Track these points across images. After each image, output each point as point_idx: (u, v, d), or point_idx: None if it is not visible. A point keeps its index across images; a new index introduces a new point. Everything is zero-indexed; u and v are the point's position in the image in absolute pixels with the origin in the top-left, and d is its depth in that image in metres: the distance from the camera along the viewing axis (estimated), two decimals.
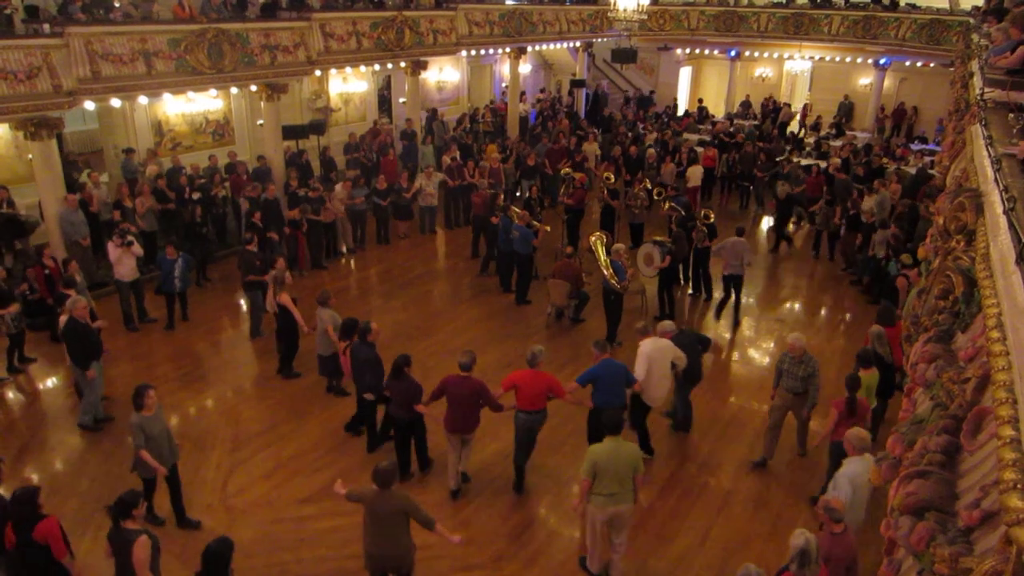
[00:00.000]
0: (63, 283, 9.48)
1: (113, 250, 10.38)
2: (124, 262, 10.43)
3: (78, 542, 6.72)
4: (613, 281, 10.51)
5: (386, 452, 7.97)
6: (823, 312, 12.56)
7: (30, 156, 11.70)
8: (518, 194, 16.63)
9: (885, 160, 17.45)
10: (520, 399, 7.22)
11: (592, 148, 18.28)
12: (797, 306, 12.84)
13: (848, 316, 12.32)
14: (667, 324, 8.21)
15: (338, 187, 13.85)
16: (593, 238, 11.49)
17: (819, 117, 23.76)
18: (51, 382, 9.69)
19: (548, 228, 13.02)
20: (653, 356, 7.66)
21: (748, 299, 12.60)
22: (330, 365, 8.97)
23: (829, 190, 14.74)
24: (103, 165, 14.66)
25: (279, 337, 9.89)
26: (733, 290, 11.74)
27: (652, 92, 26.14)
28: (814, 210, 14.69)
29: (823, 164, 16.74)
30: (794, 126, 23.44)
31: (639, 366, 7.64)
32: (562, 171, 15.43)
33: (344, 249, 14.29)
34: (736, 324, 11.77)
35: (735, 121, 22.41)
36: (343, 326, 8.29)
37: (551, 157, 17.14)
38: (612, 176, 14.71)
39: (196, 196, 12.79)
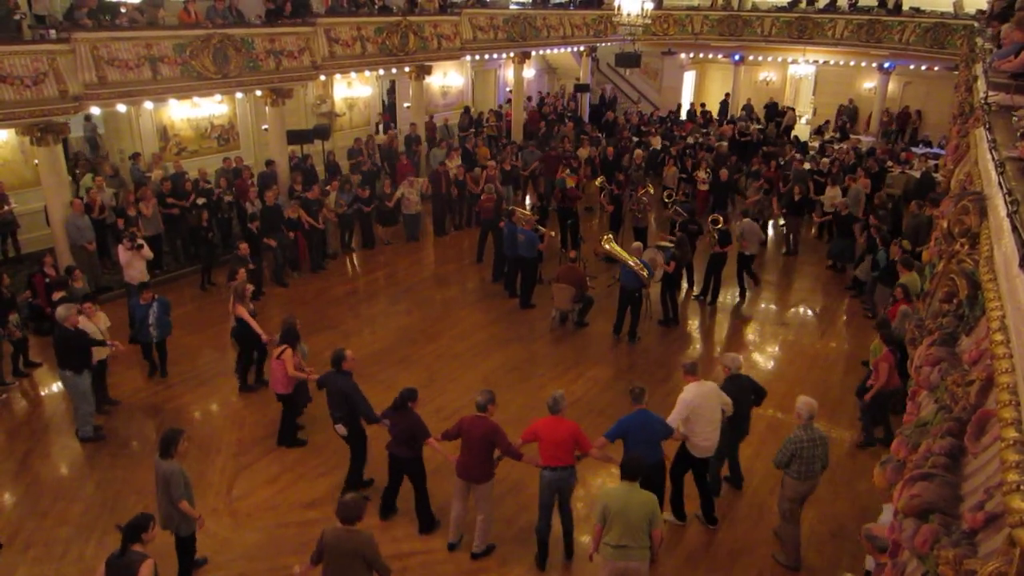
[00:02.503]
0: (54, 285, 9.54)
1: (124, 253, 10.45)
2: (134, 265, 10.51)
3: (83, 547, 6.75)
4: (644, 273, 10.56)
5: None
6: (826, 312, 12.50)
7: (36, 161, 11.76)
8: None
9: (890, 164, 17.46)
10: (542, 453, 6.37)
11: (585, 153, 18.32)
12: (795, 307, 12.82)
13: (851, 314, 12.29)
14: (731, 357, 7.45)
15: (329, 191, 13.89)
16: (604, 240, 11.48)
17: (826, 121, 23.75)
18: (56, 386, 9.70)
19: (553, 233, 13.02)
20: (695, 403, 6.70)
21: (735, 300, 12.80)
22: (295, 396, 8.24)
23: (784, 181, 15.51)
24: (109, 169, 14.72)
25: (239, 350, 9.51)
26: (746, 265, 12.38)
27: (727, 95, 25.55)
28: (747, 206, 15.16)
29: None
30: (801, 130, 23.44)
31: (676, 413, 6.71)
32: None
33: (331, 253, 14.22)
34: (742, 293, 12.63)
35: (738, 124, 22.41)
36: (283, 330, 7.87)
37: (548, 163, 17.19)
38: (611, 183, 14.77)
39: (201, 201, 12.86)
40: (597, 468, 7.97)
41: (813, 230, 15.90)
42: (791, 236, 14.91)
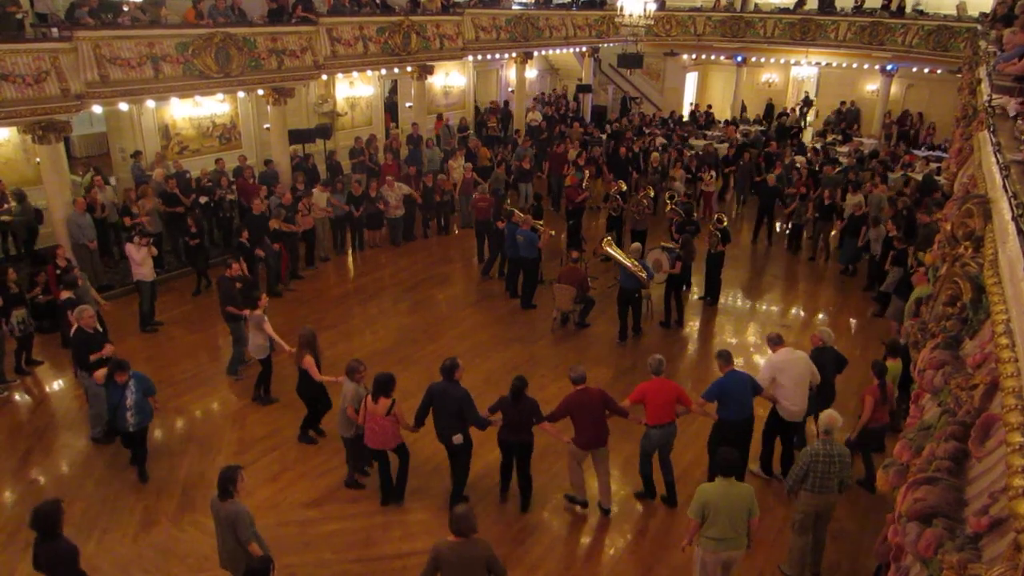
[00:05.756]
0: (61, 284, 9.52)
1: (137, 251, 10.42)
2: (147, 262, 10.51)
3: (83, 544, 6.71)
4: (643, 274, 10.56)
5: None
6: (827, 312, 12.49)
7: (38, 160, 11.76)
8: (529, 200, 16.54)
9: (893, 170, 17.46)
10: (650, 413, 6.95)
11: (573, 153, 18.29)
12: (797, 308, 12.80)
13: (854, 315, 12.28)
14: (825, 331, 8.07)
15: (315, 192, 13.57)
16: (603, 243, 11.48)
17: (826, 122, 23.75)
18: (57, 385, 9.72)
19: (553, 232, 12.99)
20: (781, 367, 7.42)
21: (739, 300, 12.81)
22: (348, 447, 7.56)
23: (815, 186, 15.26)
24: (110, 168, 14.73)
25: (301, 396, 8.22)
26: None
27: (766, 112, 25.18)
28: (793, 208, 15.05)
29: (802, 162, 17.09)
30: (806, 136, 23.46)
31: (763, 374, 7.54)
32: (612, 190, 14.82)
33: (322, 256, 13.95)
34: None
35: (741, 126, 22.41)
36: (376, 382, 6.87)
37: (553, 162, 17.17)
38: (623, 185, 14.71)
39: (203, 200, 12.84)
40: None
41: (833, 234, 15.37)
42: (819, 242, 14.59)
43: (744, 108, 24.95)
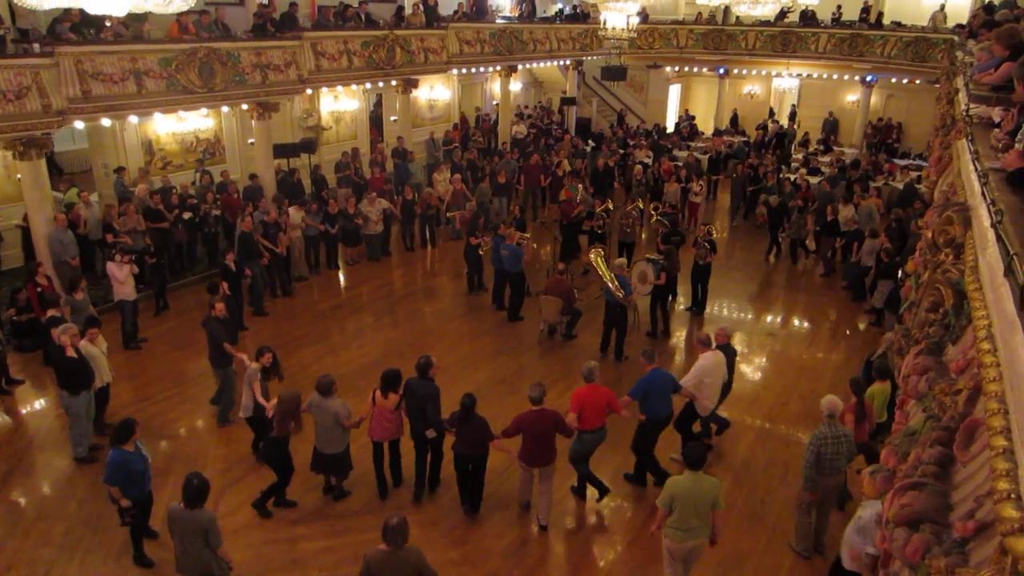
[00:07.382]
0: (41, 303, 9.39)
1: (119, 269, 10.27)
2: (129, 281, 10.42)
3: (66, 567, 6.64)
4: (619, 294, 10.48)
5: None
6: (813, 322, 12.58)
7: (18, 176, 11.65)
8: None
9: (878, 179, 17.68)
10: (584, 418, 7.12)
11: (565, 163, 18.47)
12: (783, 317, 12.88)
13: (839, 324, 12.37)
14: (727, 327, 8.65)
15: (292, 211, 13.23)
16: (592, 254, 11.48)
17: (807, 133, 24.01)
18: (39, 404, 9.57)
19: (528, 235, 12.85)
20: (710, 371, 7.86)
21: (727, 310, 12.84)
22: (336, 463, 7.42)
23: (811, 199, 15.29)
24: (93, 184, 14.60)
25: (268, 461, 7.49)
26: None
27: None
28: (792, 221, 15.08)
29: (813, 179, 17.07)
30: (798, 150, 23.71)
31: (692, 376, 7.85)
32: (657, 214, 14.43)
33: (296, 276, 13.57)
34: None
35: (725, 137, 22.61)
36: (385, 379, 7.19)
37: (529, 173, 17.21)
38: (611, 203, 14.73)
39: (187, 215, 12.74)
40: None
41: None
42: (825, 257, 14.57)
43: (692, 117, 25.42)
